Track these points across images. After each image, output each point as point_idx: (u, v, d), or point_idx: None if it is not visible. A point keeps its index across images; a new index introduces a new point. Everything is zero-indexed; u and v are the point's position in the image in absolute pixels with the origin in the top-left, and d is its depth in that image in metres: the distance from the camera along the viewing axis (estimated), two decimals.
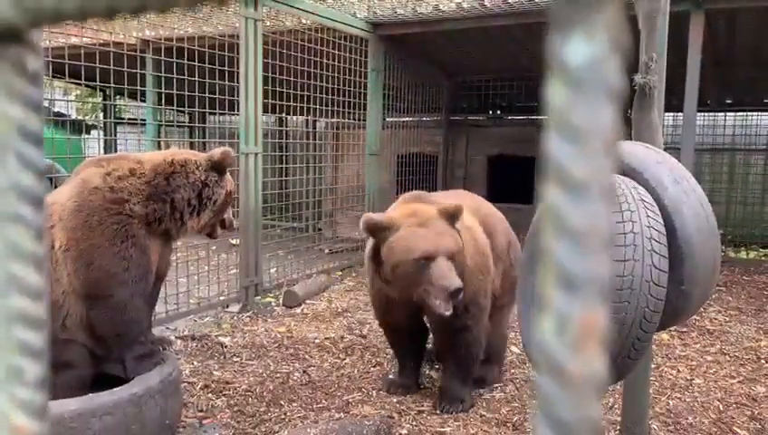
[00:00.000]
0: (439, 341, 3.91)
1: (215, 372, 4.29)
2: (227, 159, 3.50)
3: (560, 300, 0.30)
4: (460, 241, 3.43)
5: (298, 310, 5.94)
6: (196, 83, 5.63)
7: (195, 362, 4.47)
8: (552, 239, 0.31)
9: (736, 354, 4.82)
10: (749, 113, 10.10)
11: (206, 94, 5.79)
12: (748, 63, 8.53)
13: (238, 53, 5.74)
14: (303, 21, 6.90)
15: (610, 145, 0.30)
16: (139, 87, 6.20)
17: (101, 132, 11.24)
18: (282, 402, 3.85)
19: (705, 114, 9.84)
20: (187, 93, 5.59)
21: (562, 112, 0.31)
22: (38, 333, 0.38)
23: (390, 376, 4.21)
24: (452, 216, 3.42)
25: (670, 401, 3.94)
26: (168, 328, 5.20)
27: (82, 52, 4.87)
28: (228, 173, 3.61)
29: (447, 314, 3.25)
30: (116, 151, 7.30)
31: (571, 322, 0.30)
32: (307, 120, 9.05)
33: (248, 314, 5.72)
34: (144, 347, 3.29)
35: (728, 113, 10.21)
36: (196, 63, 5.53)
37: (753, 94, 10.05)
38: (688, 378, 4.33)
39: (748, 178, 10.06)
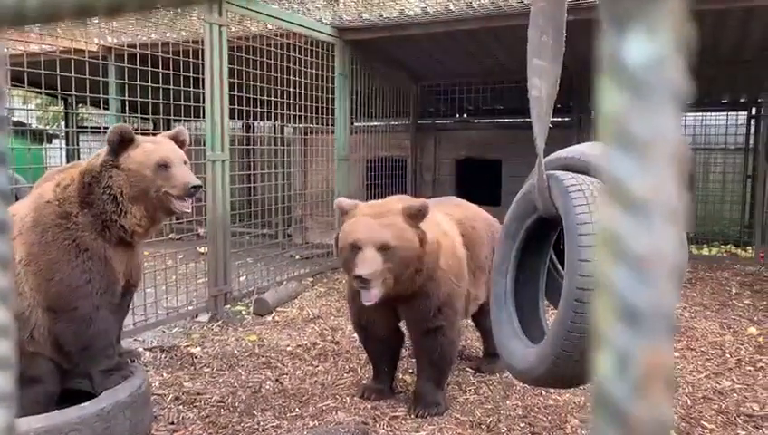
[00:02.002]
0: (414, 343, 3.91)
1: (185, 384, 4.22)
2: (111, 137, 3.10)
3: (620, 335, 0.27)
4: (411, 238, 3.38)
5: (269, 318, 5.88)
6: (161, 90, 5.54)
7: (164, 374, 4.39)
8: (609, 266, 0.27)
9: (702, 350, 4.92)
10: (708, 113, 10.36)
11: (171, 101, 5.70)
12: (705, 64, 8.75)
13: (203, 60, 5.68)
14: (269, 26, 6.86)
15: (676, 158, 0.26)
16: (101, 95, 6.08)
17: (63, 141, 11.00)
18: (254, 412, 3.80)
19: None
20: (151, 100, 5.50)
21: (620, 120, 0.27)
22: (5, 375, 0.34)
23: (364, 382, 4.20)
24: (415, 214, 3.41)
25: None
26: (135, 340, 5.10)
27: (42, 59, 4.76)
28: (136, 145, 3.18)
29: (366, 303, 3.34)
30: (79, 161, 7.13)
31: (634, 360, 0.26)
32: (275, 125, 8.99)
33: (218, 323, 5.64)
34: (111, 361, 3.22)
35: (688, 113, 10.44)
36: (160, 70, 5.44)
37: (711, 95, 10.32)
38: None
39: (708, 176, 10.31)
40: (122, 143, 3.14)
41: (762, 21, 6.92)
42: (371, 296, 3.30)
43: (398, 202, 3.55)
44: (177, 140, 3.40)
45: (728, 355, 4.81)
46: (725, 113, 10.28)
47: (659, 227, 0.26)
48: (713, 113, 10.35)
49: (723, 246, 9.49)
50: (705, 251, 9.25)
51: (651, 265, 0.26)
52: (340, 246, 3.49)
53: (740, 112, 10.21)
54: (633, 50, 0.26)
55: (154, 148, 3.24)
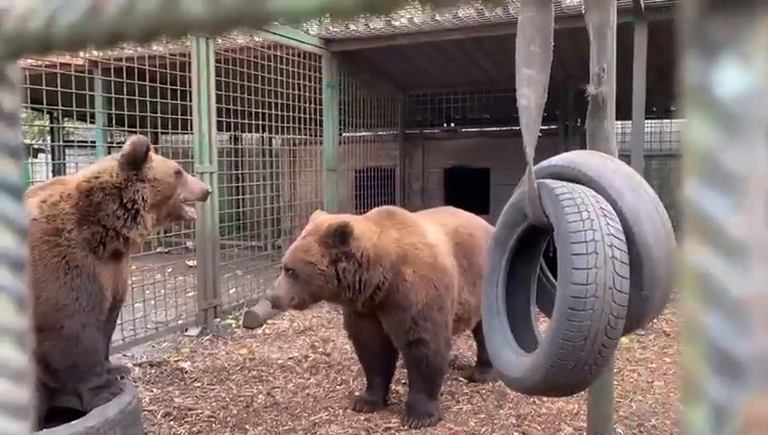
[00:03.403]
0: (402, 355, 3.90)
1: (176, 399, 4.17)
2: (137, 148, 3.15)
3: (715, 388, 0.24)
4: (314, 259, 3.48)
5: (259, 330, 5.84)
6: (148, 103, 5.52)
7: (154, 390, 4.34)
8: (701, 311, 0.25)
9: None
10: None
11: (158, 114, 5.67)
12: None
13: (190, 72, 5.66)
14: (256, 38, 6.86)
15: None
16: (88, 108, 6.05)
17: (49, 156, 10.92)
18: (247, 427, 3.76)
19: (652, 121, 10.14)
20: (138, 114, 5.47)
21: (711, 156, 0.25)
22: (23, 423, 0.32)
23: (357, 393, 4.18)
24: (332, 235, 3.49)
25: (633, 404, 4.01)
26: (125, 355, 5.04)
27: (27, 73, 4.73)
28: (153, 158, 3.28)
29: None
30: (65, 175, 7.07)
31: (733, 415, 0.24)
32: (263, 137, 8.98)
33: (208, 337, 5.59)
34: (100, 378, 3.17)
35: (673, 120, 10.54)
36: (147, 83, 5.42)
37: None
38: (649, 380, 4.41)
39: None
40: (145, 156, 3.22)
41: None
42: (282, 309, 3.69)
43: (327, 222, 3.62)
44: None
45: None
46: None
47: (757, 268, 0.24)
48: None
49: None
50: None
51: (750, 310, 0.24)
52: None
53: None
54: (725, 80, 0.24)
55: (163, 158, 3.42)
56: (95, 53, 7.32)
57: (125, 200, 3.15)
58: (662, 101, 9.97)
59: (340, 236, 3.48)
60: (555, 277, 2.91)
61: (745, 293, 0.24)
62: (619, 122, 9.48)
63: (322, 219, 3.77)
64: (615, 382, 3.90)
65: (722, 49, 0.24)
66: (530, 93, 2.48)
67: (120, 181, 3.15)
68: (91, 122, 9.74)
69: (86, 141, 11.62)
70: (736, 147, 0.24)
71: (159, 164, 3.31)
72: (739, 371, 0.24)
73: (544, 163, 2.63)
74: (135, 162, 3.18)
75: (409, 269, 3.65)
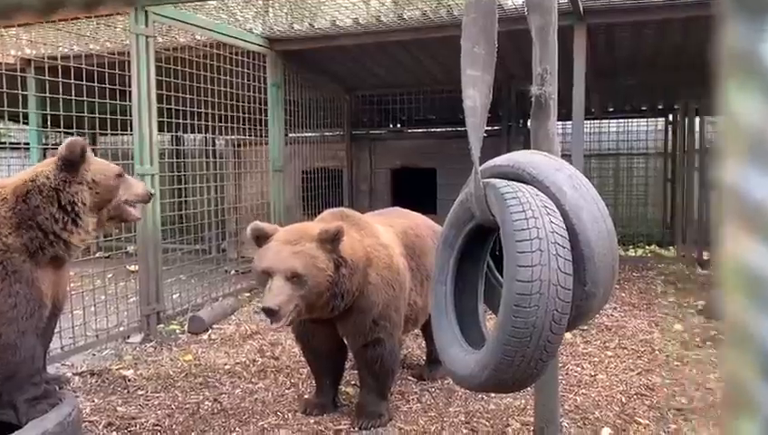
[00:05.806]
0: (355, 356, 3.89)
1: (118, 408, 4.05)
2: (73, 149, 3.12)
3: None
4: (323, 266, 3.34)
5: (205, 336, 5.72)
6: (85, 103, 5.33)
7: (96, 399, 4.19)
8: (752, 313, 0.21)
9: (633, 348, 5.10)
10: (629, 120, 10.83)
11: (96, 115, 5.49)
12: (626, 74, 9.15)
13: (130, 71, 5.50)
14: (198, 37, 6.72)
15: None
16: (21, 109, 5.80)
17: None
18: (193, 434, 3.68)
19: (591, 122, 10.44)
20: (75, 114, 5.28)
21: (759, 133, 0.21)
22: None
23: (306, 396, 4.14)
24: (330, 239, 3.38)
25: (578, 398, 4.11)
26: (63, 364, 4.85)
27: None
28: (91, 161, 3.25)
29: (272, 326, 3.34)
30: None
31: None
32: (206, 137, 8.81)
33: (151, 343, 5.44)
34: (38, 388, 3.05)
35: (611, 120, 10.89)
36: (84, 83, 5.23)
37: (631, 102, 10.79)
38: (592, 374, 4.53)
39: (632, 180, 10.76)
40: (81, 157, 3.17)
41: (676, 33, 7.29)
42: (279, 324, 3.30)
43: (315, 227, 3.53)
44: None
45: (657, 352, 5.00)
46: (645, 120, 10.76)
47: None
48: (633, 120, 10.83)
49: (647, 247, 9.91)
50: (631, 252, 9.63)
51: None
52: (255, 271, 3.49)
53: (659, 119, 10.70)
54: None
55: (103, 160, 3.38)
56: (28, 50, 7.03)
57: (63, 203, 3.10)
58: (600, 102, 10.29)
59: (338, 242, 3.39)
60: (502, 275, 2.95)
61: None
62: (559, 123, 9.72)
63: (303, 225, 3.67)
64: (560, 377, 4.00)
65: None
66: (475, 94, 2.51)
67: (58, 183, 3.10)
68: (24, 123, 9.34)
69: (19, 143, 11.15)
70: None
71: (99, 166, 3.29)
72: None
73: (490, 163, 2.66)
74: (71, 164, 3.14)
75: (373, 272, 3.64)
